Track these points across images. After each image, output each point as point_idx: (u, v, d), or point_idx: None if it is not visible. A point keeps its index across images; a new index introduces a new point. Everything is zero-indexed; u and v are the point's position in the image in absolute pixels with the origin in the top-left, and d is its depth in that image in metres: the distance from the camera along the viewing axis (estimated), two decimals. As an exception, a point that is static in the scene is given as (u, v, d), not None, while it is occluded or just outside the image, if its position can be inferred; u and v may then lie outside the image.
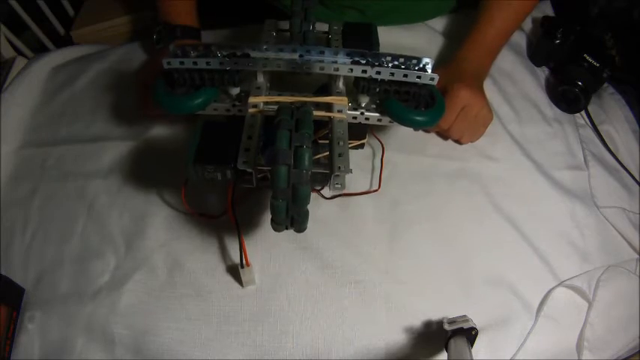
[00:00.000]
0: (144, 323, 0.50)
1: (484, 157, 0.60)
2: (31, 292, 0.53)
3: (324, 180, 0.48)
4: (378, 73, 0.45)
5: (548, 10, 0.75)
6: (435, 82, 0.46)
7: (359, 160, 0.59)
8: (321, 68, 0.45)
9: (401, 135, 0.60)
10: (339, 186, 0.42)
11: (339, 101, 0.47)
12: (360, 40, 0.56)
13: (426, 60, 0.46)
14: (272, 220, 0.39)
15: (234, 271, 0.52)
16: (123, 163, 0.60)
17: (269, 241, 0.53)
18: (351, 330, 0.49)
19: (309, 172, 0.37)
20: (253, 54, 0.46)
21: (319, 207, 0.55)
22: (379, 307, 0.50)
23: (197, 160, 0.44)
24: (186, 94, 0.47)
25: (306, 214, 0.39)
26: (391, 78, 0.45)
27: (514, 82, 0.68)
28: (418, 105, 0.47)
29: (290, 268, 0.52)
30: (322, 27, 0.57)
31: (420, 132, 0.62)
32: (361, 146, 0.55)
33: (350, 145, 0.45)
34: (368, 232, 0.54)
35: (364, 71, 0.45)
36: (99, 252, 0.54)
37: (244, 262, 0.48)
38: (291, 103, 0.44)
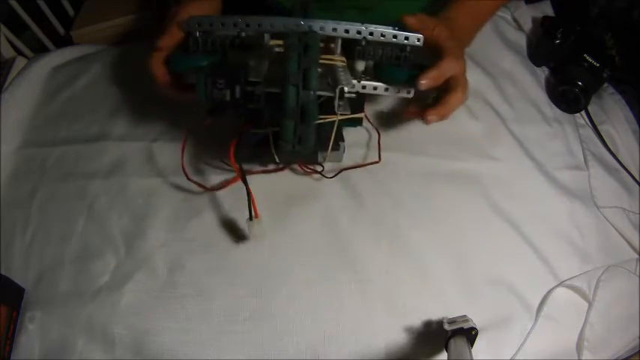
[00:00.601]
0: (144, 323, 0.50)
1: (484, 157, 0.60)
2: (31, 292, 0.53)
3: (323, 146, 0.49)
4: (371, 34, 0.48)
5: (548, 10, 0.75)
6: (421, 43, 0.49)
7: (356, 154, 0.59)
8: (322, 28, 0.48)
9: (401, 135, 0.60)
10: (343, 104, 0.44)
11: (339, 60, 0.49)
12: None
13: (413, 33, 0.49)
14: (280, 138, 0.43)
15: (237, 278, 0.51)
16: (123, 163, 0.60)
17: (269, 240, 0.53)
18: (351, 329, 0.50)
19: (316, 92, 0.41)
20: (261, 20, 0.48)
21: (320, 206, 0.55)
22: (379, 307, 0.50)
23: (209, 73, 0.45)
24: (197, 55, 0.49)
25: (312, 132, 0.43)
26: (382, 39, 0.48)
27: (514, 82, 0.68)
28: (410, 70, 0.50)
29: (290, 268, 0.52)
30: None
31: (420, 132, 0.61)
32: (359, 122, 0.56)
33: (348, 117, 0.47)
34: (368, 231, 0.54)
35: (359, 32, 0.48)
36: (99, 252, 0.54)
37: (253, 213, 0.48)
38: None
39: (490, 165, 0.60)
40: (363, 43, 0.48)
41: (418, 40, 0.48)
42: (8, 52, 0.76)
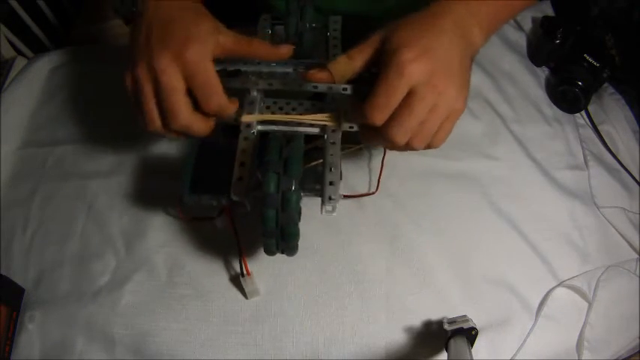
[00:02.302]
0: (144, 323, 0.50)
1: (484, 157, 0.60)
2: (31, 292, 0.53)
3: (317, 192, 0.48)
4: None
5: (548, 10, 0.75)
6: None
7: (358, 161, 0.59)
8: (314, 87, 0.45)
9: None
10: (330, 210, 0.43)
11: (333, 121, 0.46)
12: (361, 37, 0.55)
13: None
14: (264, 250, 0.41)
15: (237, 281, 0.51)
16: (123, 164, 0.60)
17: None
18: (351, 330, 0.50)
19: (298, 214, 0.38)
20: (245, 68, 0.46)
21: (320, 206, 0.55)
22: (379, 307, 0.50)
23: (192, 189, 0.44)
24: None
25: (295, 246, 0.41)
26: None
27: (514, 82, 0.68)
28: None
29: (290, 268, 0.52)
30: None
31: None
32: (360, 148, 0.56)
33: (350, 150, 0.45)
34: (368, 232, 0.54)
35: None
36: (99, 252, 0.54)
37: (244, 271, 0.49)
38: (283, 127, 0.45)
39: (490, 165, 0.60)
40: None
41: None
42: (8, 52, 0.75)
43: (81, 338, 0.50)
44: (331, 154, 0.44)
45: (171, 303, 0.51)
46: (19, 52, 0.78)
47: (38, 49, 0.84)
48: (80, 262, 0.54)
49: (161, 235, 0.54)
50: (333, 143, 0.45)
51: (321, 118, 0.46)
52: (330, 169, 0.43)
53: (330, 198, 0.41)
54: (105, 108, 0.66)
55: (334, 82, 0.42)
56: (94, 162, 0.61)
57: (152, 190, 0.57)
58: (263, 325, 0.50)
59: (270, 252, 0.41)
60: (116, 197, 0.57)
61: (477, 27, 0.42)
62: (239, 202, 0.43)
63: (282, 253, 0.42)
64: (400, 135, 0.39)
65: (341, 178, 0.48)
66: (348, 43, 0.53)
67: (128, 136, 0.62)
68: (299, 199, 0.38)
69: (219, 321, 0.50)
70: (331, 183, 0.42)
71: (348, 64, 0.41)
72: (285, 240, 0.40)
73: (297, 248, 0.42)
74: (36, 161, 0.62)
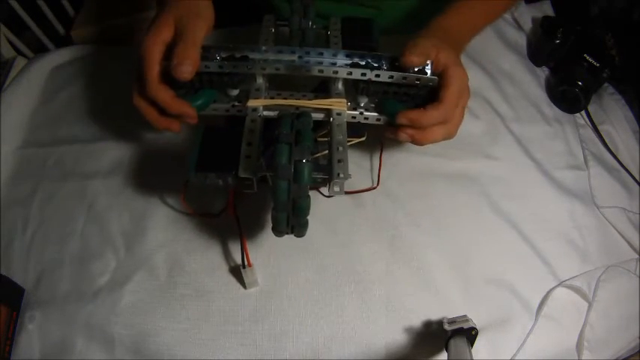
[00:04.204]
0: (144, 323, 0.50)
1: (484, 157, 0.60)
2: (31, 292, 0.53)
3: (324, 179, 0.48)
4: (377, 76, 0.46)
5: (548, 10, 0.75)
6: (434, 84, 0.46)
7: (358, 158, 0.59)
8: (320, 71, 0.46)
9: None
10: (338, 190, 0.43)
11: (338, 104, 0.47)
12: (360, 36, 0.55)
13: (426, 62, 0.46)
14: (273, 227, 0.41)
15: (236, 272, 0.52)
16: (123, 164, 0.60)
17: (269, 240, 0.53)
18: (350, 330, 0.50)
19: (309, 186, 0.38)
20: (252, 55, 0.46)
21: (319, 206, 0.55)
22: (379, 307, 0.50)
23: (198, 167, 0.44)
24: (186, 96, 0.47)
25: (306, 223, 0.41)
26: (390, 80, 0.46)
27: (514, 82, 0.68)
28: (417, 105, 0.48)
29: (290, 268, 0.52)
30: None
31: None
32: (361, 141, 0.56)
33: (349, 143, 0.46)
34: (368, 231, 0.54)
35: (363, 74, 0.46)
36: (99, 252, 0.54)
37: (246, 262, 0.48)
38: (291, 109, 0.45)
39: (490, 165, 0.60)
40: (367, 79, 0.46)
41: (431, 82, 0.46)
42: (8, 52, 0.76)
43: (81, 338, 0.50)
44: (338, 135, 0.45)
45: (171, 303, 0.51)
46: (19, 52, 0.78)
47: (38, 49, 0.84)
48: (80, 262, 0.54)
49: (161, 234, 0.54)
50: (339, 125, 0.46)
51: (327, 103, 0.47)
52: (338, 149, 0.44)
53: (338, 175, 0.42)
54: (105, 108, 0.66)
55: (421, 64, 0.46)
56: (94, 162, 0.61)
57: (152, 190, 0.57)
58: (263, 325, 0.50)
59: (279, 231, 0.41)
60: (116, 197, 0.57)
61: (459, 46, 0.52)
62: (246, 181, 0.43)
63: (292, 232, 0.42)
64: (455, 127, 0.48)
65: None
66: (347, 40, 0.54)
67: (128, 136, 0.62)
68: (311, 170, 0.38)
69: (219, 321, 0.50)
70: (339, 161, 0.43)
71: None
72: (296, 215, 0.39)
73: (307, 227, 0.41)
74: (36, 161, 0.62)
